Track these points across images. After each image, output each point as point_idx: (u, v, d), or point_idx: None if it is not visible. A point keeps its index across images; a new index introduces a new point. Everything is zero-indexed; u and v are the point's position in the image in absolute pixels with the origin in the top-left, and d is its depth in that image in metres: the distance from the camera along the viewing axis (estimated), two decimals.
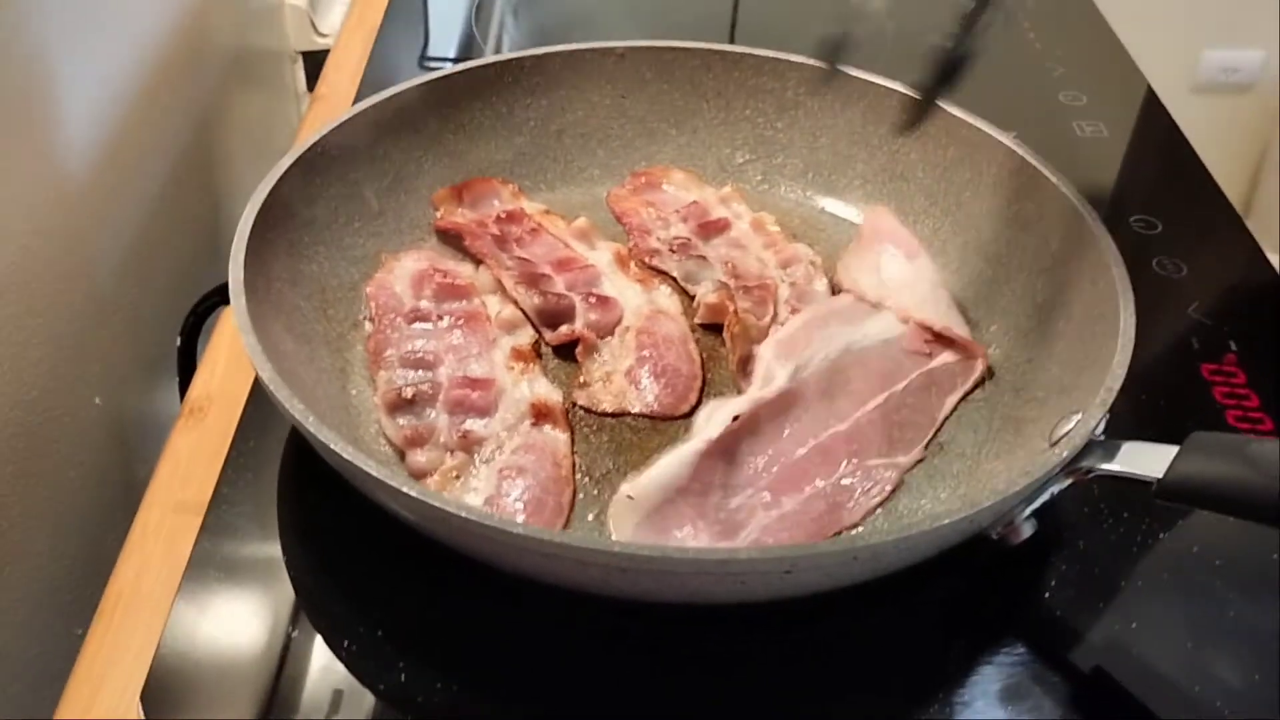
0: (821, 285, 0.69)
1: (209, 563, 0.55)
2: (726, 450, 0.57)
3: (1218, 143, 2.06)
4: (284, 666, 0.51)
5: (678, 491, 0.54)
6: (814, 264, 0.70)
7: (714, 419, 0.58)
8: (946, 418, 0.60)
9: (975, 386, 0.62)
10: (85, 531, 0.76)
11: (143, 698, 0.49)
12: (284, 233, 0.63)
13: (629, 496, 0.54)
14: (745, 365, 0.63)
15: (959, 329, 0.64)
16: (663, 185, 0.76)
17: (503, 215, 0.71)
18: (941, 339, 0.63)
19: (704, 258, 0.70)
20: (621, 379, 0.62)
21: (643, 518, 0.54)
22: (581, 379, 0.63)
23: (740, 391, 0.62)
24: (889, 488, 0.57)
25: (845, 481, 0.57)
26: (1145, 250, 0.74)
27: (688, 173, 0.77)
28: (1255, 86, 2.05)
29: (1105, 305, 0.58)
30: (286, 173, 0.63)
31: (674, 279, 0.70)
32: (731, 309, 0.65)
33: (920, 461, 0.59)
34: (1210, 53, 2.02)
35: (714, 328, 0.66)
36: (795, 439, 0.58)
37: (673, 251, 0.71)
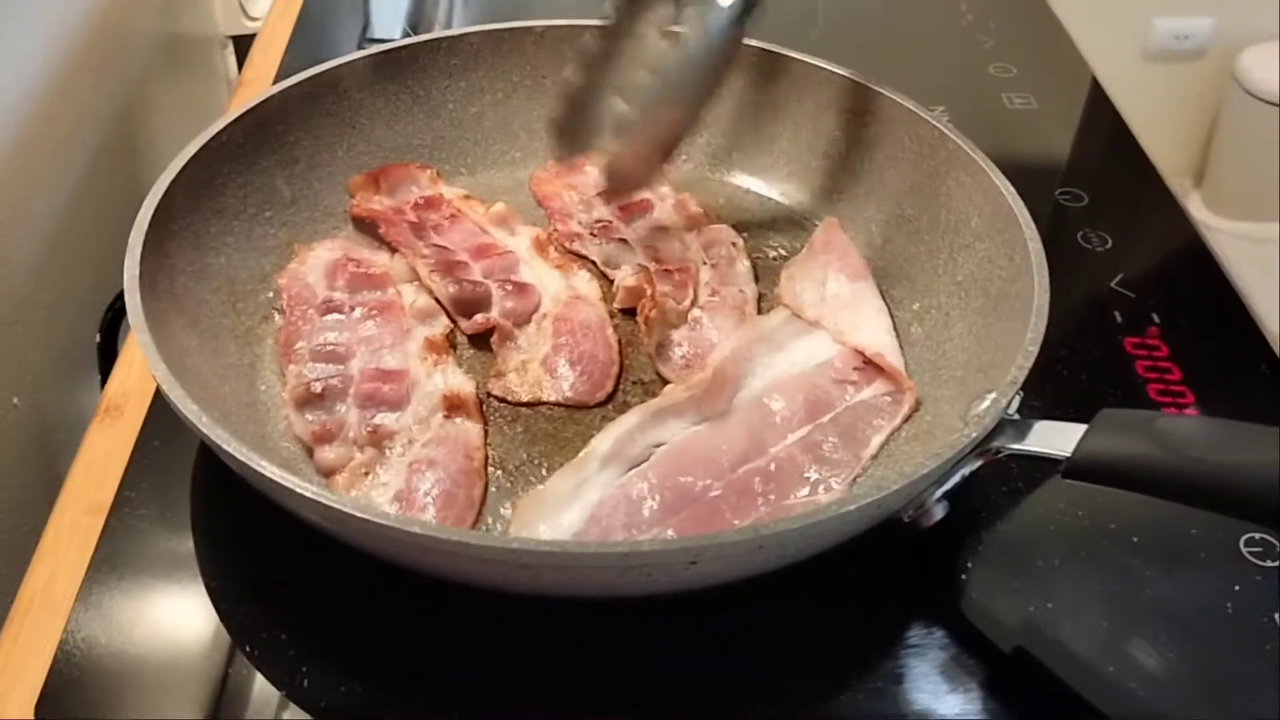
0: (743, 267, 0.68)
1: (112, 565, 0.53)
2: (628, 490, 0.55)
3: (1170, 110, 2.07)
4: (189, 669, 0.50)
5: (574, 536, 0.53)
6: (735, 245, 0.69)
7: (620, 453, 0.56)
8: (874, 456, 0.57)
9: (904, 423, 0.59)
10: (3, 535, 0.74)
11: (37, 707, 0.48)
12: (188, 224, 0.61)
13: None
14: (662, 350, 0.63)
15: (893, 359, 0.61)
16: (586, 167, 0.75)
17: (420, 201, 0.70)
18: (873, 366, 0.61)
19: (625, 241, 0.69)
20: (538, 367, 0.61)
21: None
22: (497, 368, 0.62)
23: (658, 376, 0.62)
24: None
25: (760, 520, 0.54)
26: (1070, 223, 0.74)
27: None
28: (1206, 53, 2.06)
29: (1022, 281, 0.57)
30: (190, 161, 0.61)
31: (594, 263, 0.69)
32: (649, 293, 0.64)
33: None
34: (1161, 20, 2.03)
35: (633, 312, 0.65)
36: (710, 474, 0.56)
37: (594, 235, 0.69)
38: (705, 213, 0.72)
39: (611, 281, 0.67)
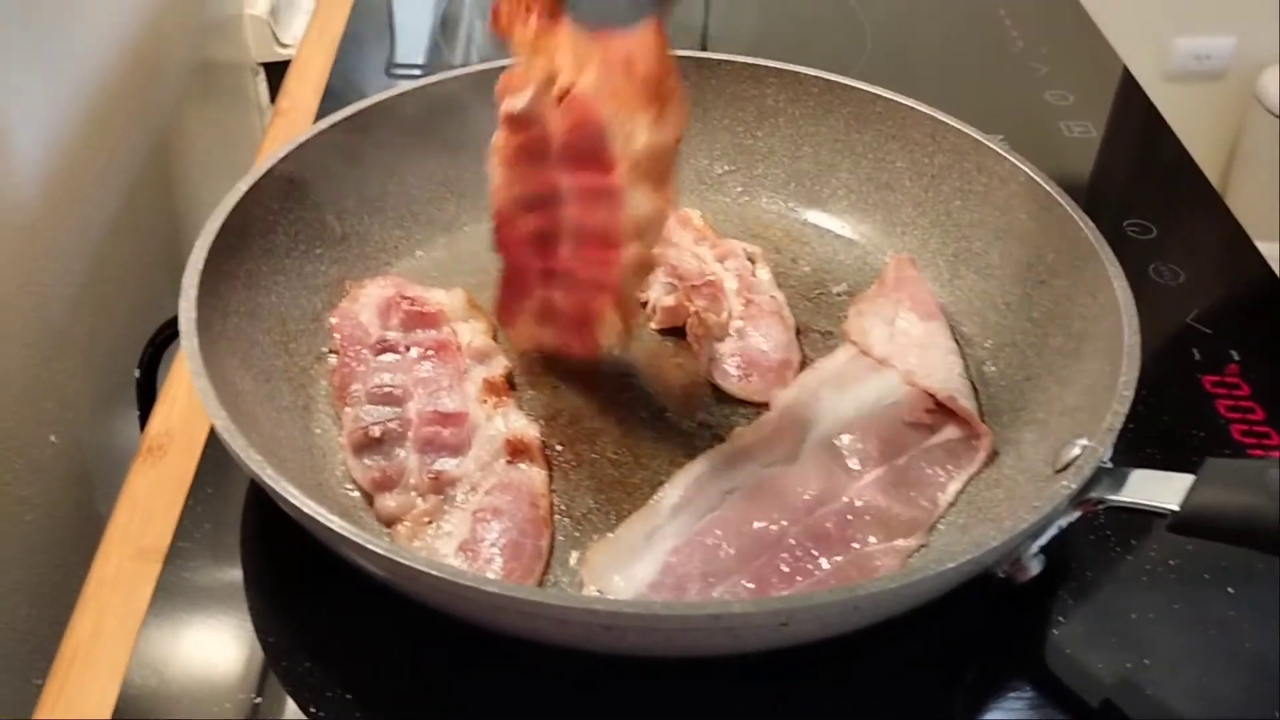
0: (766, 274, 0.68)
1: (167, 618, 0.51)
2: (703, 538, 0.53)
3: (1192, 130, 2.05)
4: None
5: (649, 586, 0.51)
6: (751, 256, 0.69)
7: (691, 500, 0.54)
8: (951, 503, 0.55)
9: (981, 469, 0.56)
10: (45, 575, 0.72)
11: None
12: (241, 263, 0.60)
13: (596, 591, 0.51)
14: (715, 365, 0.62)
15: (966, 402, 0.58)
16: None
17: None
18: (945, 410, 0.58)
19: None
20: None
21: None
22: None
23: (713, 385, 0.61)
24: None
25: (842, 568, 0.52)
26: (1142, 256, 0.72)
27: None
28: (1227, 73, 2.05)
29: (1106, 321, 0.55)
30: (241, 200, 0.60)
31: None
32: (692, 310, 0.63)
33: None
34: (1182, 40, 2.02)
35: (668, 332, 0.65)
36: (786, 518, 0.54)
37: None
38: (710, 225, 0.71)
39: (644, 304, 0.66)
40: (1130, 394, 0.50)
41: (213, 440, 0.59)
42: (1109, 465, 0.49)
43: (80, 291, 0.78)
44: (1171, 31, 2.00)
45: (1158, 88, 2.01)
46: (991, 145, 0.66)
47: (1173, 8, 1.96)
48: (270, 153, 0.64)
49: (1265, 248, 2.20)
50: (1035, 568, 0.48)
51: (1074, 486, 0.46)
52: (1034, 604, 0.52)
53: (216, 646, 0.51)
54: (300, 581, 0.53)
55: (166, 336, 0.74)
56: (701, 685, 0.49)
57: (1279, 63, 1.99)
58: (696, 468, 0.56)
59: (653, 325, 0.65)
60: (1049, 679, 0.50)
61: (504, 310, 0.63)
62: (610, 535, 0.53)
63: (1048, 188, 0.62)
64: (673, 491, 0.55)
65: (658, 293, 0.66)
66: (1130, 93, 0.91)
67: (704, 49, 0.81)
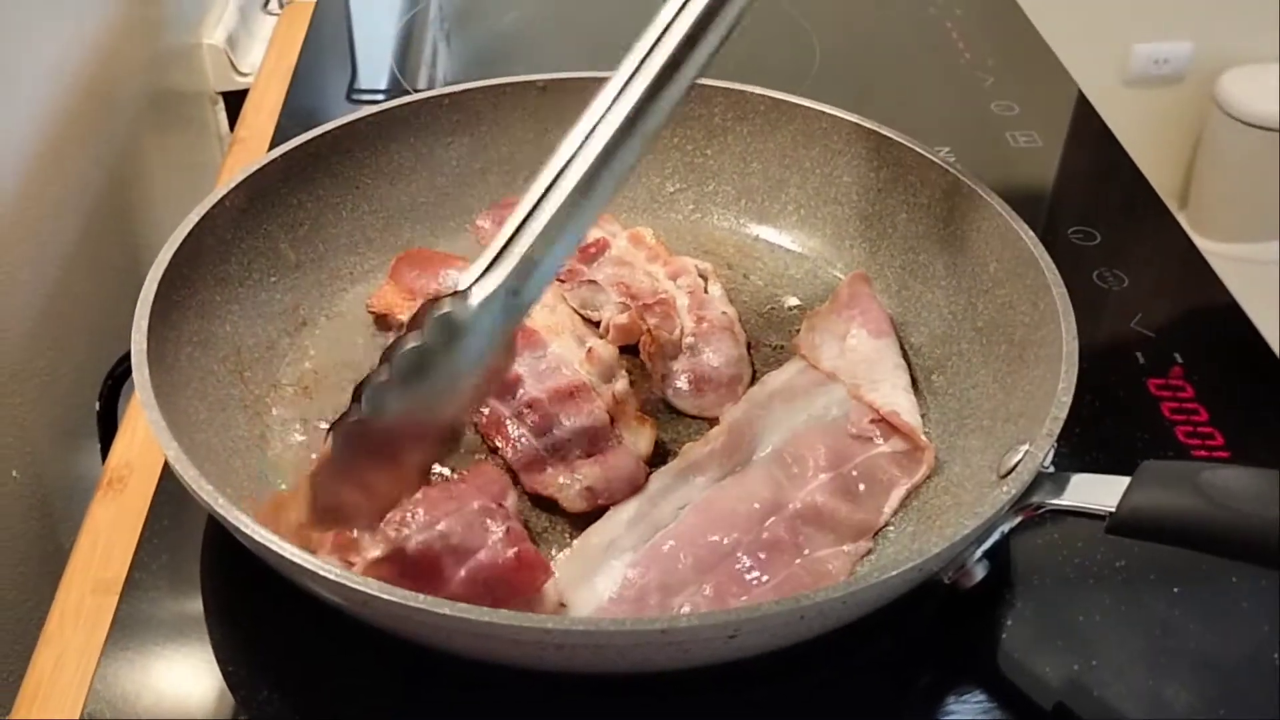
0: (717, 291, 0.69)
1: (127, 650, 0.51)
2: (659, 550, 0.54)
3: (1152, 135, 2.09)
4: None
5: (610, 600, 0.51)
6: (703, 273, 0.70)
7: (645, 516, 0.55)
8: (896, 510, 0.56)
9: (926, 478, 0.57)
10: (9, 609, 0.72)
11: None
12: (193, 293, 0.60)
13: (561, 604, 0.51)
14: (667, 380, 0.63)
15: (908, 417, 0.59)
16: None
17: None
18: (887, 424, 0.59)
19: (594, 282, 0.69)
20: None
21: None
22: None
23: (664, 400, 0.62)
24: (842, 578, 0.53)
25: (795, 574, 0.53)
26: (1084, 262, 0.73)
27: None
28: (1186, 77, 2.08)
29: (1047, 328, 0.56)
30: (193, 230, 0.60)
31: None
32: (645, 328, 0.64)
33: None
34: (1141, 46, 2.04)
35: (622, 349, 0.65)
36: (738, 529, 0.55)
37: (561, 281, 0.69)
38: (662, 243, 0.71)
39: (596, 323, 0.67)
40: (1069, 400, 0.51)
41: (170, 472, 0.59)
42: (1050, 470, 0.50)
43: (39, 325, 0.78)
44: (1130, 37, 2.03)
45: (1118, 93, 2.05)
46: (934, 159, 0.67)
47: (1131, 14, 1.99)
48: (225, 181, 0.64)
49: (1226, 249, 2.22)
50: (980, 573, 0.49)
51: (1014, 492, 0.47)
52: (983, 609, 0.53)
53: (177, 677, 0.51)
54: (260, 610, 0.53)
55: (125, 369, 0.74)
56: (657, 701, 0.50)
57: (1237, 66, 2.02)
58: (651, 484, 0.57)
59: (610, 342, 0.65)
60: (999, 682, 0.51)
61: None
62: (571, 548, 0.54)
63: (988, 198, 0.63)
64: (628, 507, 0.56)
65: (611, 311, 0.67)
66: (1076, 102, 0.92)
67: None
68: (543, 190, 0.49)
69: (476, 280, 0.48)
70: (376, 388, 0.47)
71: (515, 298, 0.49)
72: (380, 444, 0.48)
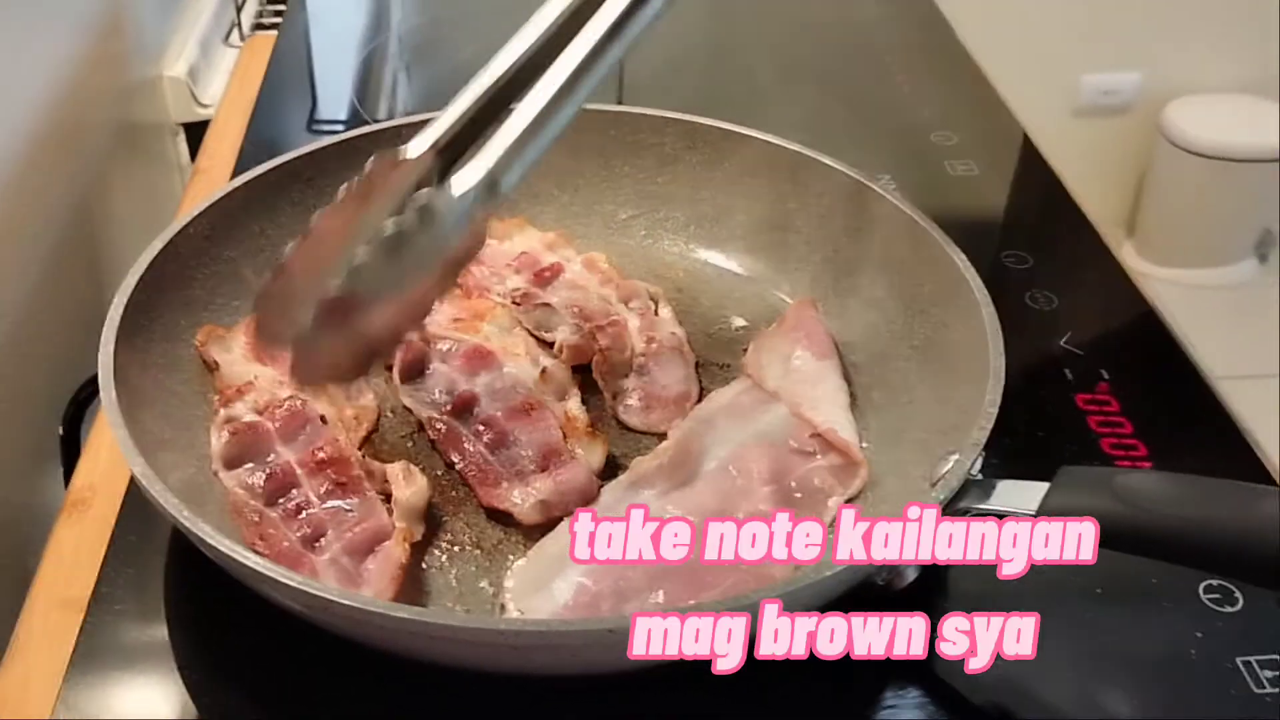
0: (667, 313, 0.72)
1: (93, 666, 0.53)
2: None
3: (1100, 164, 2.14)
4: None
5: (564, 608, 0.54)
6: (654, 296, 0.73)
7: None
8: (833, 520, 0.59)
9: (862, 490, 0.60)
10: None
11: None
12: (158, 317, 0.62)
13: (519, 611, 0.54)
14: (619, 399, 0.66)
15: (845, 434, 0.62)
16: (486, 239, 0.75)
17: None
18: (825, 440, 0.62)
19: (549, 305, 0.71)
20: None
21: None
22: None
23: (615, 417, 0.65)
24: None
25: (741, 580, 0.55)
26: (1017, 284, 0.77)
27: (507, 221, 0.77)
28: (1133, 107, 2.13)
29: (978, 345, 0.59)
30: (157, 257, 0.62)
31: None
32: (597, 348, 0.67)
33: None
34: (1089, 76, 2.09)
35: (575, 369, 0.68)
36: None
37: (516, 304, 0.72)
38: (615, 268, 0.74)
39: (551, 344, 0.70)
40: (995, 411, 0.54)
41: (134, 491, 0.61)
42: (978, 477, 0.53)
43: (3, 351, 0.79)
44: (1078, 68, 2.08)
45: (1066, 123, 2.09)
46: (873, 187, 0.70)
47: (1079, 45, 2.03)
48: (188, 209, 0.66)
49: (1172, 274, 2.26)
50: (911, 574, 0.52)
51: (941, 497, 0.50)
52: (916, 611, 0.55)
53: (144, 690, 0.53)
54: (224, 623, 0.54)
55: (89, 393, 0.76)
56: (600, 704, 0.52)
57: (1183, 96, 2.08)
58: (603, 496, 0.59)
59: (563, 360, 0.68)
60: (934, 680, 0.53)
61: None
62: (526, 556, 0.56)
63: (924, 224, 0.66)
64: (583, 518, 0.58)
65: (565, 333, 0.69)
66: (1012, 131, 0.97)
67: (620, 100, 0.85)
68: (506, 78, 0.51)
69: (457, 171, 0.50)
70: (355, 267, 0.49)
71: (493, 189, 0.51)
72: (353, 319, 0.50)
